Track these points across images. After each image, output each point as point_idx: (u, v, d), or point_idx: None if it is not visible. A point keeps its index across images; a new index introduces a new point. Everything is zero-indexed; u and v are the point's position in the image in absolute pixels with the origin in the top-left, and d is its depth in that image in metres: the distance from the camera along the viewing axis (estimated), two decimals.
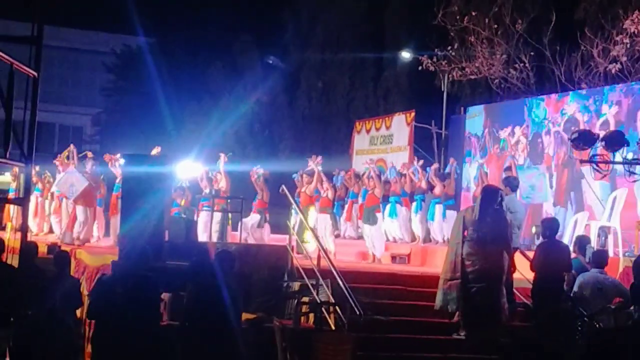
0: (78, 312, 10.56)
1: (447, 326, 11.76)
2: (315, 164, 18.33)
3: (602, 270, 11.09)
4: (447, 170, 19.35)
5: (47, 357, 4.20)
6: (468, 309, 11.38)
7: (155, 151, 17.63)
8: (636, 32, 20.84)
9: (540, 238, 13.59)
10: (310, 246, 15.35)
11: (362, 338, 10.49)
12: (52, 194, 20.41)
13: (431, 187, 18.95)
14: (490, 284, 11.31)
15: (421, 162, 20.25)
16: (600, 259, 11.30)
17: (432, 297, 12.58)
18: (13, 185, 22.06)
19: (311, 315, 11.10)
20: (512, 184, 13.42)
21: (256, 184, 18.51)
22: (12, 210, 17.40)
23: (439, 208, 18.51)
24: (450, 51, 24.52)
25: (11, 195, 21.27)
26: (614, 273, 12.73)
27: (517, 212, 12.70)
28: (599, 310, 10.76)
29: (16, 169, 13.91)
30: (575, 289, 10.95)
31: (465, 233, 11.60)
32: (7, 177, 25.07)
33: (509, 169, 17.41)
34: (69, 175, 18.12)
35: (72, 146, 19.38)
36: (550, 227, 11.62)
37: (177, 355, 6.03)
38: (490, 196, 11.84)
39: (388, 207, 18.84)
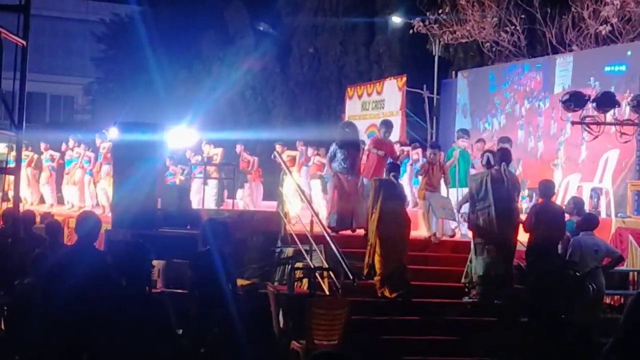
0: None
1: (440, 289, 11.85)
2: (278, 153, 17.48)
3: (592, 233, 11.20)
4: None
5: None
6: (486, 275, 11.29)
7: None
8: None
9: (534, 200, 13.64)
10: (295, 208, 15.30)
11: (356, 302, 10.53)
12: (42, 164, 20.38)
13: None
14: (507, 253, 11.30)
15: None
16: (591, 222, 11.39)
17: (422, 260, 12.67)
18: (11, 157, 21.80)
19: (305, 281, 11.13)
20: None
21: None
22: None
23: None
24: (442, 15, 24.43)
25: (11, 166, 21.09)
26: (606, 234, 12.80)
27: None
28: (590, 271, 10.87)
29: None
30: (572, 250, 11.03)
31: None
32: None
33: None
34: None
35: None
36: (546, 188, 11.65)
37: (171, 321, 6.04)
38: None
39: None
